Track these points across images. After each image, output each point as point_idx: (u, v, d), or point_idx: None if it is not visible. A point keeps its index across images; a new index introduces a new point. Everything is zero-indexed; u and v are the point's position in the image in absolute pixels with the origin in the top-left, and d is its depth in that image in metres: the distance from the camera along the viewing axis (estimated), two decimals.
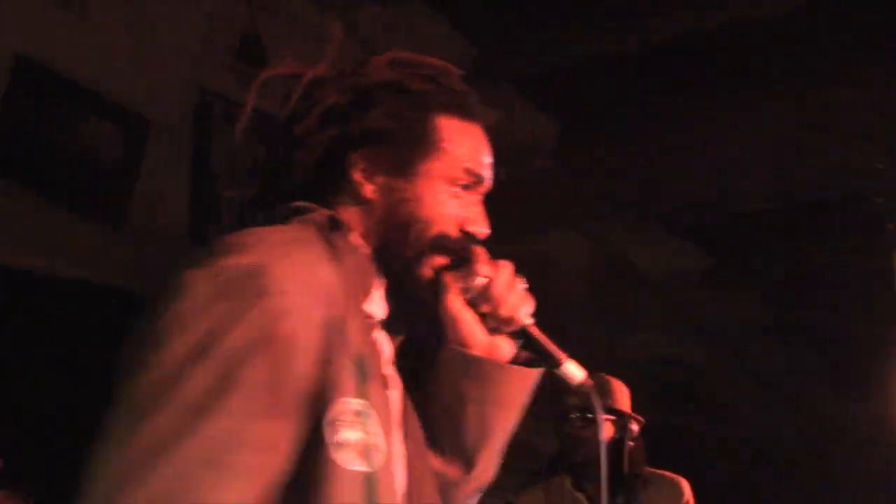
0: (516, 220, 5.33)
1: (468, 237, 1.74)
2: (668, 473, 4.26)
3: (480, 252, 1.73)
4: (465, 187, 1.75)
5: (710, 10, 5.97)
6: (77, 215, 5.59)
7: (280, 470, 1.40)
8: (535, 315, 1.78)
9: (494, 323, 1.75)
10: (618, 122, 6.71)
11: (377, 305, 1.69)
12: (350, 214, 1.71)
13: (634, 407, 4.32)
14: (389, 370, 1.69)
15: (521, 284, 1.76)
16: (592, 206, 5.27)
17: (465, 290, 1.73)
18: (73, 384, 4.63)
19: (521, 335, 1.77)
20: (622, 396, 4.25)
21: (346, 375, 1.48)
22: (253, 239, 1.50)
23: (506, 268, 1.75)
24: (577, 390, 1.75)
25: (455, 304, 1.73)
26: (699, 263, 8.38)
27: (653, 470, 4.27)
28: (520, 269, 1.75)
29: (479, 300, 1.74)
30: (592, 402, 1.77)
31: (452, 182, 1.72)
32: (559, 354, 1.75)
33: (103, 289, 5.57)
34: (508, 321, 1.75)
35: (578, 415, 4.13)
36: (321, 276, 1.50)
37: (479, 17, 6.74)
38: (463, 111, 1.77)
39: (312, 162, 1.71)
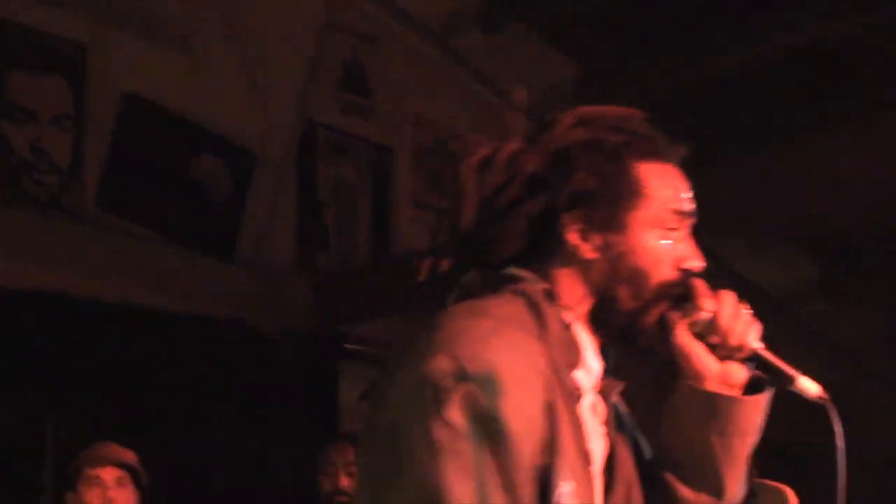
0: None
1: (687, 274, 1.79)
2: (770, 482, 4.15)
3: (701, 286, 1.78)
4: (673, 228, 1.79)
5: (823, 23, 5.83)
6: (187, 249, 5.63)
7: None
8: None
9: (725, 352, 1.79)
10: (729, 137, 6.59)
11: (586, 368, 1.77)
12: (565, 277, 1.77)
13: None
14: (598, 432, 1.78)
15: (746, 311, 1.80)
16: (710, 222, 5.13)
17: (692, 325, 1.78)
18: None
19: (753, 359, 1.80)
20: None
21: (564, 459, 1.58)
22: (481, 328, 1.60)
23: (729, 298, 1.79)
24: (815, 404, 1.78)
25: (684, 338, 1.78)
26: (817, 277, 8.24)
27: (758, 480, 4.14)
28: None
29: (707, 332, 1.78)
30: (830, 415, 1.78)
31: (662, 226, 1.77)
32: (792, 372, 1.79)
33: (214, 321, 5.65)
34: (739, 348, 1.78)
35: None
36: (538, 362, 1.60)
37: (585, 39, 6.67)
38: (657, 154, 1.81)
39: (522, 231, 1.77)
